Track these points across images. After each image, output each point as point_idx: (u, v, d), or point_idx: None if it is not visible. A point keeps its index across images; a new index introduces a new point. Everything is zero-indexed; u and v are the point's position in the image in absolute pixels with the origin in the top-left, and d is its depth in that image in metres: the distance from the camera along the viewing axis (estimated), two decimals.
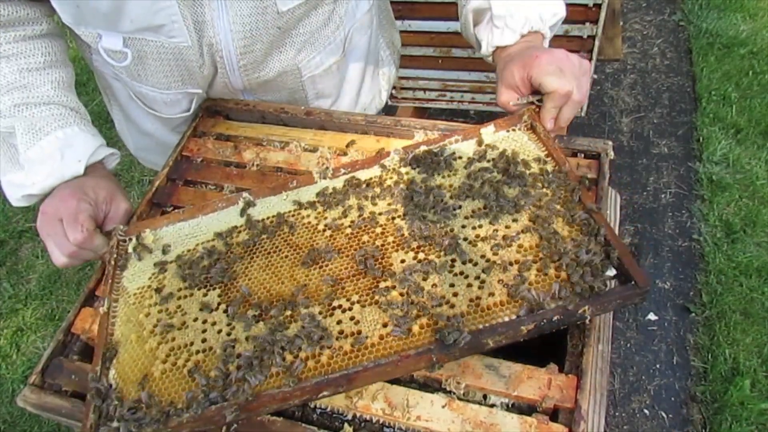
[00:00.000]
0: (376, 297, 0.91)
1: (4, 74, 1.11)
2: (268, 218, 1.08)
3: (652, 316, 2.52)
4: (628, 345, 2.45)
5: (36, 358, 2.60)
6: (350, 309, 0.90)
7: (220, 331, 0.92)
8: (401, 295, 0.89)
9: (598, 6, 2.33)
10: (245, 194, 1.11)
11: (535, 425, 0.84)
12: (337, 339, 0.87)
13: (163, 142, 1.47)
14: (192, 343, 0.91)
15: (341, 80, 1.46)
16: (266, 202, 1.11)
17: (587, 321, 0.88)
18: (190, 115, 1.38)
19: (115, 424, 0.84)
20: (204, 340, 0.92)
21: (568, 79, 1.02)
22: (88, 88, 3.59)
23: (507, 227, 0.96)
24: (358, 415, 0.89)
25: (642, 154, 3.15)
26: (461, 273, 0.91)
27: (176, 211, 1.15)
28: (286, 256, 1.01)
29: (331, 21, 1.29)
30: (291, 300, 0.94)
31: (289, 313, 0.92)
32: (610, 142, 1.16)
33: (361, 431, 0.89)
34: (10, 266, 3.00)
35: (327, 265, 0.98)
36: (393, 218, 1.02)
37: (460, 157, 1.09)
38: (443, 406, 0.87)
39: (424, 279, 0.91)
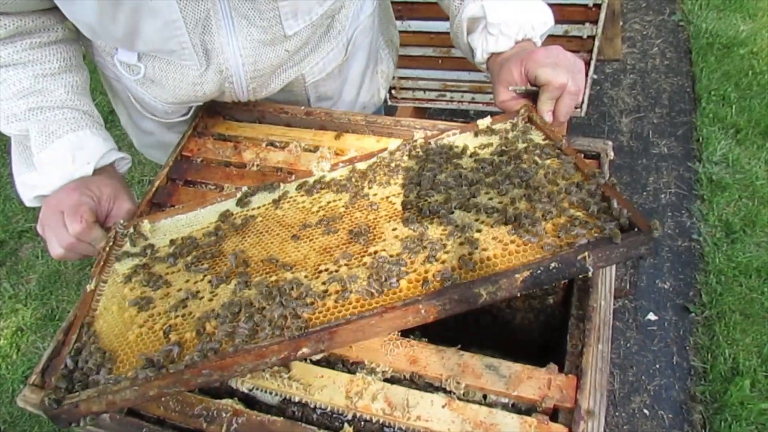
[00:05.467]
0: (365, 260, 0.89)
1: (20, 80, 1.14)
2: (263, 205, 1.09)
3: (652, 316, 2.52)
4: (628, 345, 2.45)
5: (36, 358, 2.60)
6: (337, 272, 0.89)
7: (201, 299, 0.91)
8: (390, 256, 0.88)
9: (598, 6, 2.34)
10: (245, 188, 1.12)
11: (535, 425, 0.84)
12: (320, 297, 0.85)
13: (163, 141, 1.48)
14: (172, 310, 0.91)
15: (343, 82, 1.46)
16: (264, 193, 1.12)
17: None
18: (189, 118, 1.38)
19: (77, 386, 0.83)
20: (184, 306, 0.91)
21: (563, 72, 1.04)
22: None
23: (502, 195, 0.95)
24: (358, 415, 0.89)
25: (642, 154, 3.15)
26: (453, 234, 0.89)
27: (176, 206, 1.16)
28: (278, 234, 1.01)
29: (333, 28, 1.31)
30: (277, 267, 0.93)
31: (273, 278, 0.91)
32: (610, 142, 1.16)
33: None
34: (10, 266, 3.00)
35: (317, 238, 0.97)
36: (387, 197, 1.02)
37: (458, 146, 1.10)
38: (443, 406, 0.87)
39: (415, 242, 0.89)
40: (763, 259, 2.57)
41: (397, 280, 0.84)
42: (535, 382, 0.88)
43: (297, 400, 0.92)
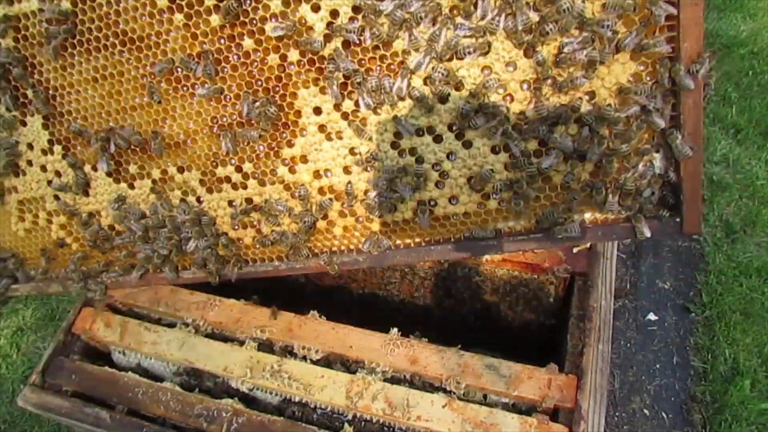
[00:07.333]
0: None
1: None
2: None
3: (652, 316, 2.52)
4: (628, 345, 2.45)
5: (36, 358, 2.59)
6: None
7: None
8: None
9: None
10: None
11: (536, 425, 0.84)
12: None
13: None
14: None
15: None
16: None
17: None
18: None
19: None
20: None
21: None
22: None
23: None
24: (358, 415, 0.89)
25: None
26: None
27: None
28: (125, 61, 0.73)
29: None
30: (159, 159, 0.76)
31: (165, 177, 0.78)
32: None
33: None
34: None
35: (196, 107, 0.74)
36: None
37: None
38: (443, 406, 0.87)
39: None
40: (764, 259, 2.56)
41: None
42: (535, 382, 0.88)
43: (297, 400, 0.92)
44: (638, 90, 0.75)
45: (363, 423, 0.90)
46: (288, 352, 1.11)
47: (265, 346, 1.16)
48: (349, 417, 0.89)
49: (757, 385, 2.23)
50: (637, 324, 2.50)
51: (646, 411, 2.27)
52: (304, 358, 1.00)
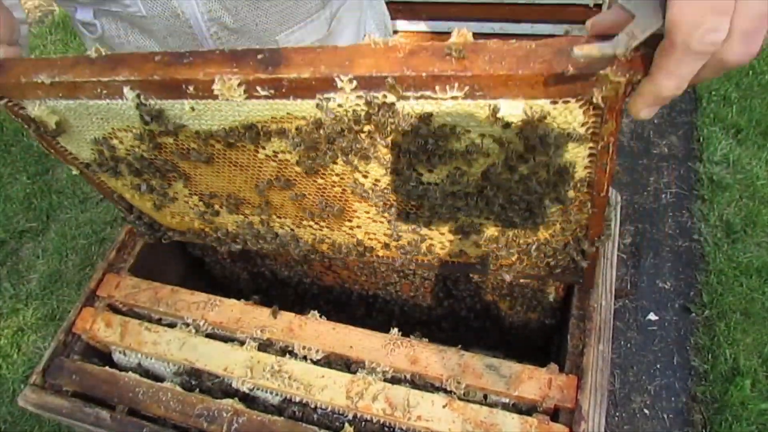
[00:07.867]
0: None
1: None
2: (194, 133, 0.93)
3: (652, 316, 2.52)
4: (628, 345, 2.45)
5: (37, 358, 2.59)
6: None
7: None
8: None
9: (599, 6, 2.34)
10: (128, 90, 0.84)
11: (536, 425, 0.84)
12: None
13: None
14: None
15: None
16: (166, 106, 0.87)
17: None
18: None
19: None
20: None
21: (711, 7, 0.53)
22: None
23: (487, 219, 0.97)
24: (359, 415, 0.89)
25: (642, 154, 3.15)
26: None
27: (41, 79, 0.88)
28: (232, 172, 1.04)
29: None
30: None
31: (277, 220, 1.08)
32: None
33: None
34: (10, 266, 3.00)
35: (287, 193, 1.06)
36: (353, 170, 0.93)
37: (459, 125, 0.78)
38: (444, 406, 0.87)
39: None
40: (764, 259, 2.56)
41: None
42: (535, 382, 0.88)
43: (298, 400, 0.92)
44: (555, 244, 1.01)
45: (363, 423, 0.90)
46: (288, 352, 1.11)
47: (266, 346, 1.16)
48: (350, 417, 0.89)
49: (757, 385, 2.23)
50: (637, 324, 2.50)
51: (646, 411, 2.27)
52: (305, 358, 1.00)
